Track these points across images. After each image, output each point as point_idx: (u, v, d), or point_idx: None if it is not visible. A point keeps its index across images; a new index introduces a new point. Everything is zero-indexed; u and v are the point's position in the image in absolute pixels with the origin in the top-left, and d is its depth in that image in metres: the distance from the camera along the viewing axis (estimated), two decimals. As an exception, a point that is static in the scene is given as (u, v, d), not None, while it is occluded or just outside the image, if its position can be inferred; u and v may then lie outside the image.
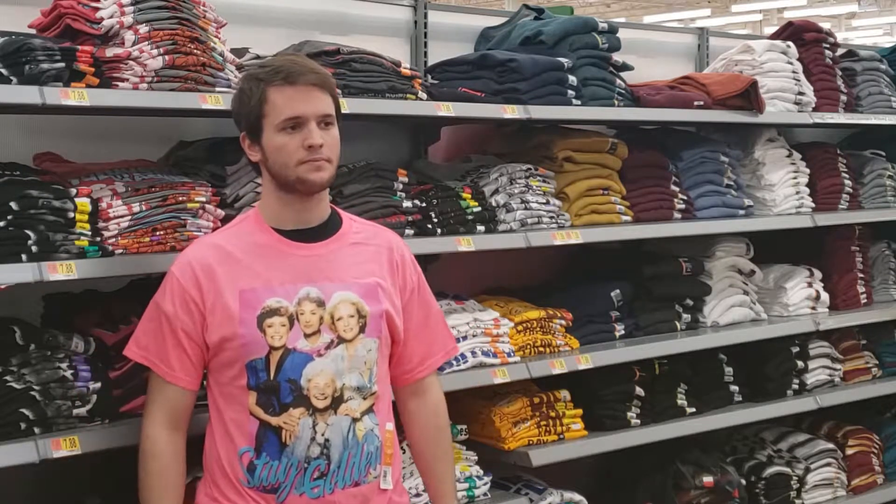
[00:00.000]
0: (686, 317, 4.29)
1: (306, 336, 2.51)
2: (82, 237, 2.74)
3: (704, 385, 4.31)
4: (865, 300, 4.99)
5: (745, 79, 4.37)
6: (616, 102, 4.00)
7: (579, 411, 3.83)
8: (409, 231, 3.42)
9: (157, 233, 2.87)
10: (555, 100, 3.79)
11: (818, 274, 4.76)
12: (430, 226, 3.50)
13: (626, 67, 4.11)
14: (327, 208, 2.64)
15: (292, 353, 2.51)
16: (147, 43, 2.82)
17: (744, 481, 4.39)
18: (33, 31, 2.89)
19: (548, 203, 3.80)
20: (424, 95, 3.50)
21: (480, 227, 3.62)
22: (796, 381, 4.59)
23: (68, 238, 2.72)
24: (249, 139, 2.55)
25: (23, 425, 2.64)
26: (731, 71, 4.62)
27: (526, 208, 3.73)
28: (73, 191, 2.78)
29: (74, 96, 2.67)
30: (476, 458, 3.61)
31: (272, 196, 2.58)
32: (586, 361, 3.77)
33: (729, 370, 4.40)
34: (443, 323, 2.87)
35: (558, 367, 3.70)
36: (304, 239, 2.58)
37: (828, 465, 4.65)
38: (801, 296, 4.67)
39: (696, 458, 4.30)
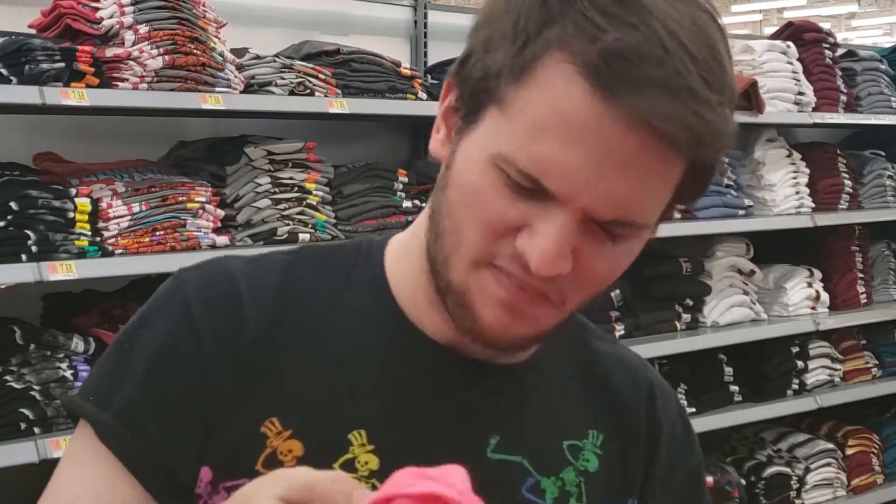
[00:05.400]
0: (686, 317, 4.28)
1: None
2: (82, 237, 2.74)
3: (704, 385, 4.31)
4: (865, 300, 4.98)
5: (745, 79, 4.37)
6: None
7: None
8: (409, 231, 3.42)
9: (157, 233, 2.87)
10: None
11: (818, 274, 4.76)
12: (430, 226, 3.49)
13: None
14: None
15: None
16: (147, 43, 2.82)
17: (743, 481, 4.38)
18: (33, 31, 2.88)
19: (548, 203, 3.79)
20: (424, 95, 3.50)
21: (480, 227, 3.62)
22: (796, 381, 4.58)
23: (68, 238, 2.72)
24: (458, 113, 0.97)
25: (23, 425, 2.64)
26: (731, 71, 4.61)
27: (526, 208, 3.72)
28: (73, 191, 2.78)
29: (74, 96, 2.67)
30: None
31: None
32: (586, 361, 3.77)
33: (729, 370, 4.40)
34: None
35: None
36: None
37: (828, 465, 4.65)
38: (801, 296, 4.67)
39: (695, 458, 4.30)
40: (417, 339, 1.02)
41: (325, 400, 0.98)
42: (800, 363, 4.61)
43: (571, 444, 1.04)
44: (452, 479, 0.71)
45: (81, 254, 2.73)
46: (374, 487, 0.90)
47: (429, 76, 3.85)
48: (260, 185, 3.13)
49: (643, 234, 0.94)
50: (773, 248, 4.70)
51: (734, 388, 4.41)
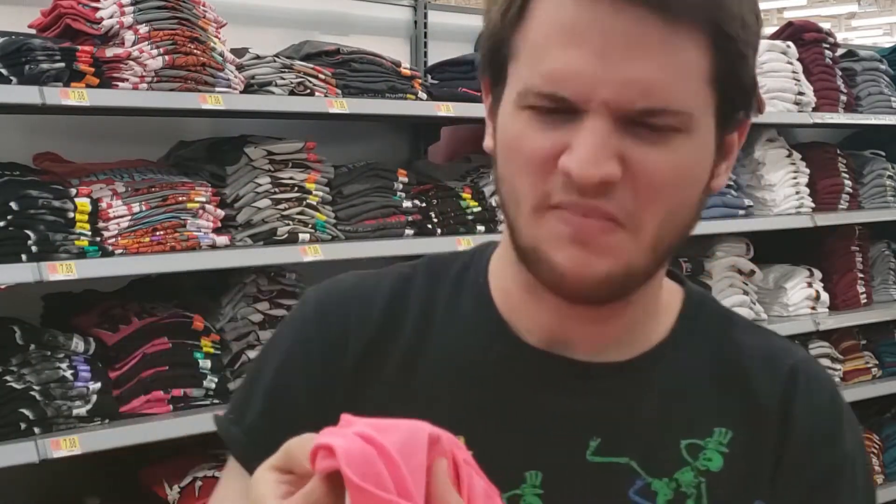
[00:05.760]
0: (686, 317, 4.28)
1: None
2: (82, 237, 2.74)
3: (704, 385, 4.31)
4: (865, 300, 4.98)
5: (745, 79, 4.36)
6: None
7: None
8: (409, 231, 3.42)
9: (157, 233, 2.87)
10: (555, 100, 3.78)
11: (818, 274, 4.76)
12: (430, 226, 3.50)
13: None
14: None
15: None
16: (147, 43, 2.82)
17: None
18: (33, 31, 2.88)
19: (548, 203, 3.79)
20: (424, 95, 3.50)
21: (480, 227, 3.62)
22: (796, 381, 4.58)
23: (68, 238, 2.72)
24: (491, 94, 1.01)
25: (23, 425, 2.64)
26: (731, 71, 4.61)
27: (526, 208, 3.72)
28: (73, 191, 2.78)
29: (74, 96, 2.67)
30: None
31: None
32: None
33: (729, 370, 4.40)
34: None
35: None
36: None
37: (828, 465, 4.65)
38: (801, 296, 4.67)
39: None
40: (513, 343, 1.02)
41: (424, 407, 0.95)
42: (800, 363, 4.61)
43: (691, 444, 1.00)
44: (394, 436, 0.71)
45: (81, 254, 2.73)
46: None
47: (429, 76, 3.85)
48: (260, 185, 3.13)
49: (693, 131, 0.91)
50: (773, 248, 4.70)
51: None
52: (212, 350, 3.01)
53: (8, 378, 2.66)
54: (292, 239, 3.14)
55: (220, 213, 3.03)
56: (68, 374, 2.73)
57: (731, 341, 1.05)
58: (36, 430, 2.65)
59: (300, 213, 3.19)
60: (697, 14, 0.87)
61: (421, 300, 1.06)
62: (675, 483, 0.98)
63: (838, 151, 4.95)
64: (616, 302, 0.98)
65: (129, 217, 2.83)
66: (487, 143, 1.00)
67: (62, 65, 2.69)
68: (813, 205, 4.71)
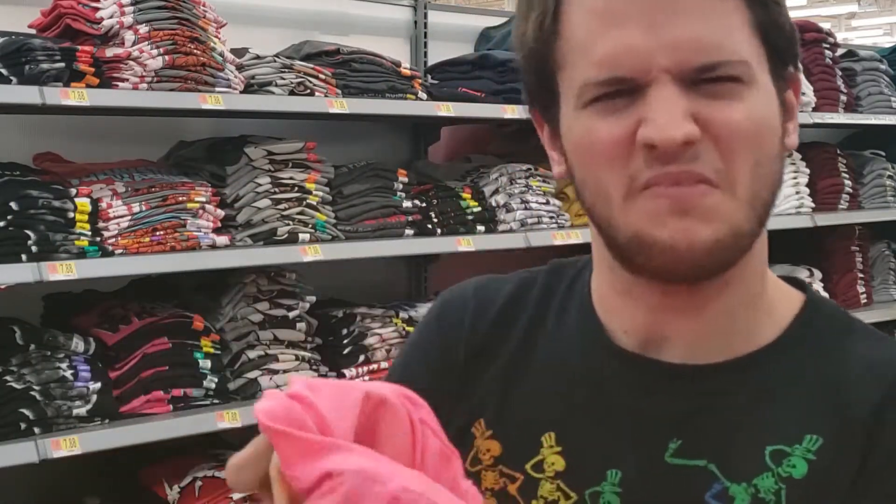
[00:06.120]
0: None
1: None
2: (82, 237, 2.74)
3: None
4: (865, 300, 4.98)
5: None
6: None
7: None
8: (409, 231, 3.42)
9: (157, 233, 2.87)
10: (555, 100, 3.78)
11: (818, 274, 4.76)
12: (430, 226, 3.50)
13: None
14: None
15: None
16: (147, 43, 2.82)
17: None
18: (33, 31, 2.88)
19: (548, 203, 3.79)
20: (424, 95, 3.50)
21: (480, 227, 3.62)
22: (796, 381, 4.59)
23: (68, 238, 2.72)
24: (546, 121, 1.02)
25: (23, 425, 2.64)
26: (731, 71, 4.61)
27: (526, 208, 3.72)
28: (73, 191, 2.78)
29: (74, 96, 2.67)
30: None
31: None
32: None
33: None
34: None
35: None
36: None
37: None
38: (802, 296, 4.67)
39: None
40: (608, 347, 1.03)
41: (523, 404, 1.03)
42: (800, 363, 4.61)
43: (776, 450, 0.97)
44: (325, 392, 0.75)
45: (81, 254, 2.73)
46: (558, 488, 0.99)
47: (429, 76, 3.85)
48: (260, 185, 3.13)
49: (754, 82, 0.92)
50: (773, 248, 4.63)
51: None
52: (212, 350, 3.01)
53: (8, 378, 2.66)
54: (292, 239, 3.14)
55: (220, 213, 3.03)
56: (68, 374, 2.73)
57: (841, 349, 1.01)
58: (36, 430, 2.65)
59: (300, 213, 3.19)
60: None
61: (535, 306, 1.08)
62: (753, 488, 0.96)
63: (838, 151, 4.95)
64: (716, 279, 0.96)
65: (129, 217, 2.83)
66: (557, 170, 1.00)
67: (62, 65, 2.69)
68: (813, 205, 4.71)
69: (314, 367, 3.27)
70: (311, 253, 3.10)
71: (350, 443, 0.73)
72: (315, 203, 3.22)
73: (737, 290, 0.99)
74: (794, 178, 4.66)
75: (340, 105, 3.20)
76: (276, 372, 3.16)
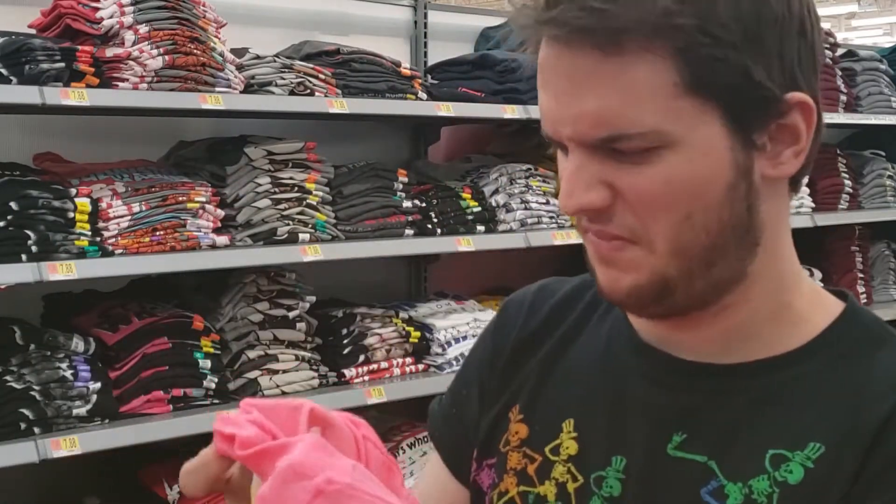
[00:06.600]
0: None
1: None
2: (82, 237, 2.74)
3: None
4: (865, 300, 4.98)
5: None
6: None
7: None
8: (409, 231, 3.42)
9: (157, 233, 2.87)
10: (555, 100, 3.78)
11: (818, 274, 4.76)
12: (430, 226, 3.50)
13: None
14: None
15: None
16: (147, 43, 2.82)
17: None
18: (33, 31, 2.88)
19: (548, 203, 3.79)
20: (424, 95, 3.50)
21: (480, 227, 3.62)
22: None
23: (68, 238, 2.72)
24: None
25: (23, 425, 2.64)
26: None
27: (526, 208, 3.73)
28: (73, 191, 2.78)
29: (74, 96, 2.67)
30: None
31: None
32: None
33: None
34: None
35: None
36: None
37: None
38: (801, 296, 4.67)
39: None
40: (631, 339, 1.08)
41: (553, 392, 1.11)
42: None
43: (777, 454, 0.97)
44: (278, 414, 0.87)
45: (81, 254, 2.73)
46: (569, 471, 1.05)
47: (429, 76, 3.85)
48: (260, 185, 3.13)
49: (678, 143, 0.91)
50: (773, 248, 4.70)
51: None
52: (212, 350, 3.01)
53: (8, 378, 2.66)
54: (292, 239, 3.14)
55: (220, 213, 3.03)
56: (68, 374, 2.73)
57: (868, 359, 1.00)
58: (36, 430, 2.65)
59: (300, 213, 3.19)
60: (645, 32, 0.88)
61: (585, 307, 1.14)
62: (747, 489, 0.97)
63: (838, 151, 4.95)
64: (697, 311, 0.99)
65: (129, 217, 2.83)
66: None
67: (62, 65, 2.69)
68: (813, 205, 4.71)
69: (314, 367, 3.27)
70: (311, 253, 3.10)
71: (291, 437, 0.83)
72: (315, 203, 3.23)
73: (741, 310, 1.01)
74: (794, 178, 4.67)
75: (340, 105, 3.20)
76: (275, 372, 3.16)
